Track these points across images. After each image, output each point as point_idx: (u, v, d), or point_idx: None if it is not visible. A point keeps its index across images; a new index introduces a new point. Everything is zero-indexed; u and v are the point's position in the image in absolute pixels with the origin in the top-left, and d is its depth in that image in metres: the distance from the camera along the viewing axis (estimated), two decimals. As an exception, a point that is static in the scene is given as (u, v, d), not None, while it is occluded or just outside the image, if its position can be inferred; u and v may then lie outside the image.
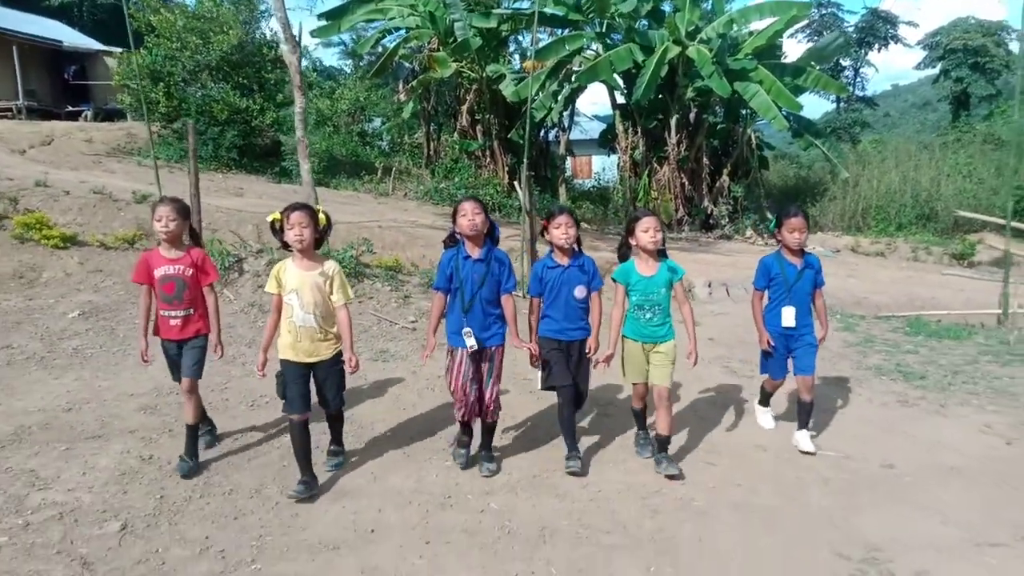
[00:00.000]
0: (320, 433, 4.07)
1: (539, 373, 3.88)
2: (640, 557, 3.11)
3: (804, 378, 4.21)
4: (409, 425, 4.62)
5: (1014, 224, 11.33)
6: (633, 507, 3.56)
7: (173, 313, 3.86)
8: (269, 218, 3.60)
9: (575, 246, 3.87)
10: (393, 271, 8.63)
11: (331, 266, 3.63)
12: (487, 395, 3.79)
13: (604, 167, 24.45)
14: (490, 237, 3.78)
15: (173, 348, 3.92)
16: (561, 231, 3.79)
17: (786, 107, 13.66)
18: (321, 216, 3.60)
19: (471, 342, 3.66)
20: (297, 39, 7.93)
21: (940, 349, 6.81)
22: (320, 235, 3.61)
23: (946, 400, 5.24)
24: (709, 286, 9.83)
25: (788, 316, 4.19)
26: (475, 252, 3.71)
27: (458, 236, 3.75)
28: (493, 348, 3.79)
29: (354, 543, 3.19)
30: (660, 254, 3.88)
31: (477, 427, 4.01)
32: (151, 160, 14.66)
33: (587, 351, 3.87)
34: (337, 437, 4.01)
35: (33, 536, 3.15)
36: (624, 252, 3.96)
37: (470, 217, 3.64)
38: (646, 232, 3.79)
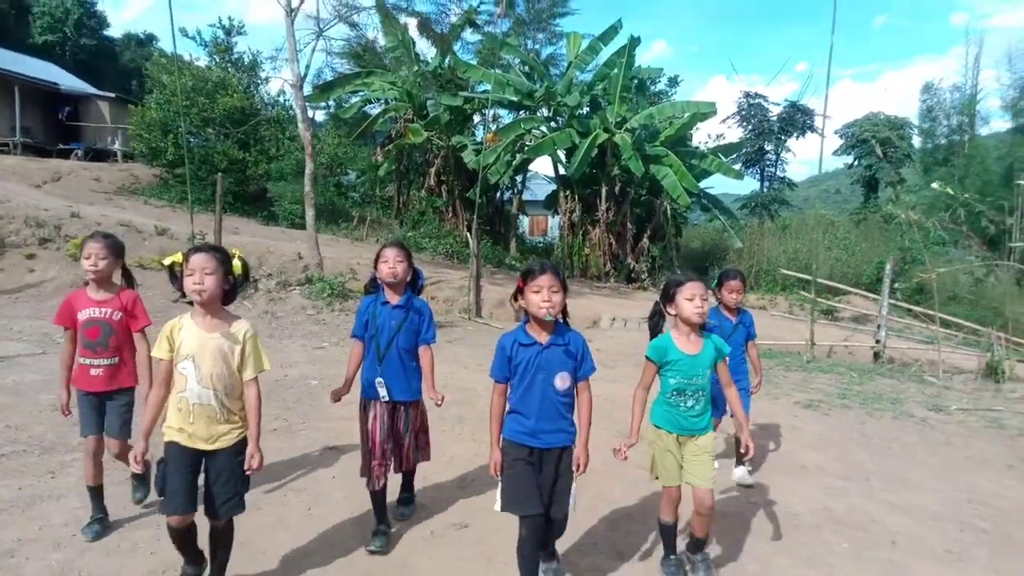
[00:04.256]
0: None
1: (498, 488, 2.94)
2: None
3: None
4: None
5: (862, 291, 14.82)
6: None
7: (95, 362, 3.44)
8: (167, 261, 2.86)
9: (560, 318, 2.94)
10: (368, 296, 11.31)
11: (242, 327, 2.85)
12: (405, 444, 3.55)
13: (553, 226, 27.67)
14: (412, 286, 3.60)
15: (93, 401, 3.47)
16: (541, 296, 2.81)
17: (688, 187, 17.02)
18: (236, 263, 2.86)
19: (383, 392, 3.46)
20: (311, 119, 10.68)
21: (753, 364, 9.70)
22: (232, 287, 2.84)
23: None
24: (613, 319, 12.78)
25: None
26: (394, 299, 3.51)
27: (379, 282, 3.53)
28: (409, 402, 3.54)
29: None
30: (701, 328, 3.21)
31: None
32: (171, 200, 17.17)
33: (575, 467, 2.95)
34: (218, 562, 2.92)
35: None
36: (657, 322, 3.29)
37: (391, 264, 3.43)
38: (691, 300, 3.08)
